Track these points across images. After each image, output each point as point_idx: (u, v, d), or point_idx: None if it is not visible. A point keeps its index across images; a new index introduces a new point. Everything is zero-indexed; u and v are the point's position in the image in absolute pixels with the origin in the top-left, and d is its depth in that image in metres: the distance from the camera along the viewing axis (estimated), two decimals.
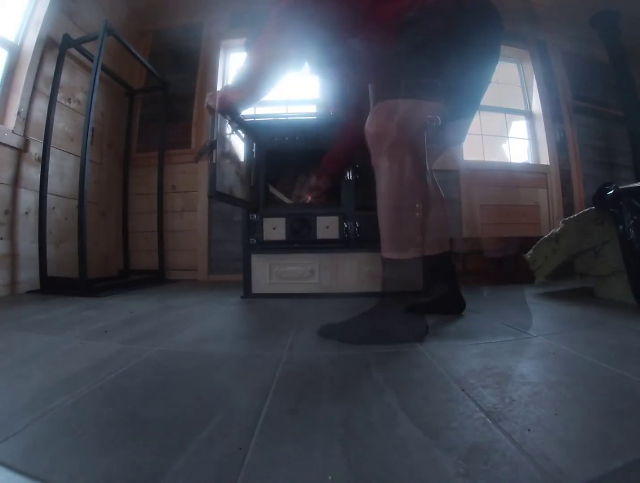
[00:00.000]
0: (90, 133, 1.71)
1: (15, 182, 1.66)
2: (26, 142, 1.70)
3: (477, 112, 1.04)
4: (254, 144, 1.54)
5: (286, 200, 1.61)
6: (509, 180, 2.49)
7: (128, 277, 2.22)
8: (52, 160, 1.79)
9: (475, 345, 0.75)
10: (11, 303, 1.39)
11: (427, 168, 0.87)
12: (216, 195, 1.15)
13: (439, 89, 0.79)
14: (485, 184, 2.45)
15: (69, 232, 1.90)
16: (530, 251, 1.51)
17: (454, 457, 0.35)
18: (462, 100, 0.86)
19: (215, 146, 1.15)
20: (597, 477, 0.32)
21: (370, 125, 0.82)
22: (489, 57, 0.87)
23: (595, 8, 2.50)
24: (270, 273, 1.50)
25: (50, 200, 1.80)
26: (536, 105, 2.68)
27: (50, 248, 1.77)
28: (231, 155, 1.33)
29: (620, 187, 1.15)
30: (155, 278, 2.17)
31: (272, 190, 1.59)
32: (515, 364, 0.62)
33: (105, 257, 2.29)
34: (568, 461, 0.34)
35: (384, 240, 0.83)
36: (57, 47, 1.83)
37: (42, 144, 1.75)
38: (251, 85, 0.93)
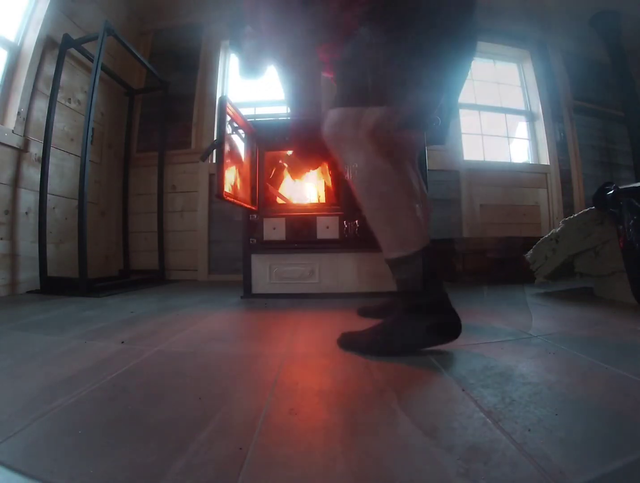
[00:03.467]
0: (90, 133, 1.71)
1: (15, 182, 1.66)
2: (26, 142, 1.70)
3: (469, 112, 1.01)
4: (255, 144, 1.54)
5: (286, 200, 1.61)
6: (509, 180, 2.49)
7: (128, 277, 2.22)
8: (52, 160, 1.79)
9: (475, 345, 0.75)
10: (11, 303, 1.39)
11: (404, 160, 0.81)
12: (223, 196, 1.15)
13: (391, 92, 0.72)
14: (485, 184, 2.45)
15: (69, 232, 1.90)
16: (530, 251, 1.51)
17: (454, 457, 0.35)
18: (429, 100, 0.79)
19: (222, 146, 1.14)
20: (597, 477, 0.32)
21: (324, 130, 0.77)
22: (459, 53, 0.78)
23: (595, 8, 2.51)
24: (270, 273, 1.50)
25: (50, 200, 1.80)
26: (536, 105, 2.67)
27: (50, 248, 1.77)
28: (234, 155, 1.33)
29: (620, 187, 1.15)
30: (155, 278, 2.17)
31: (272, 190, 1.59)
32: (515, 364, 0.62)
33: (105, 257, 2.29)
34: (568, 461, 0.34)
35: (381, 241, 0.74)
36: (57, 47, 1.83)
37: (42, 144, 1.75)
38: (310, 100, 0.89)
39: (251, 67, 1.14)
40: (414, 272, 0.70)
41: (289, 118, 1.00)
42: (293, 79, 0.89)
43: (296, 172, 1.31)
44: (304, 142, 1.09)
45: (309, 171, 1.34)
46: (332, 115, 0.76)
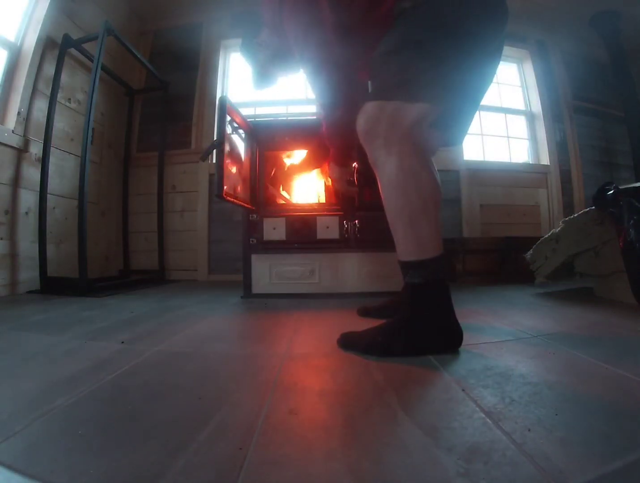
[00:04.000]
0: (90, 133, 1.71)
1: (15, 182, 1.66)
2: (26, 142, 1.70)
3: (477, 113, 0.98)
4: (255, 144, 1.54)
5: (286, 200, 1.61)
6: (509, 180, 2.49)
7: (128, 277, 2.22)
8: (52, 160, 1.79)
9: (475, 345, 0.75)
10: (11, 303, 1.39)
11: (431, 161, 0.79)
12: (223, 196, 1.15)
13: (431, 89, 0.70)
14: (485, 184, 2.45)
15: (69, 232, 1.90)
16: (530, 251, 1.51)
17: (454, 457, 0.35)
18: (459, 101, 0.79)
19: (222, 146, 1.14)
20: (597, 477, 0.32)
21: (359, 124, 0.75)
22: (491, 55, 0.79)
23: (595, 8, 2.51)
24: (270, 273, 1.50)
25: (50, 200, 1.80)
26: (536, 105, 2.67)
27: (50, 248, 1.77)
28: (234, 155, 1.33)
29: (620, 187, 1.15)
30: (155, 278, 2.17)
31: (272, 190, 1.59)
32: (515, 364, 0.62)
33: (105, 257, 2.29)
34: (568, 461, 0.34)
35: (399, 243, 0.74)
36: (57, 47, 1.83)
37: (42, 144, 1.75)
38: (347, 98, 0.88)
39: (264, 76, 1.13)
40: (425, 278, 0.70)
41: (321, 120, 0.99)
42: (326, 78, 0.87)
43: (335, 174, 1.27)
44: (342, 142, 1.04)
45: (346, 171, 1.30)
46: (368, 109, 0.73)
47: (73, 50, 1.91)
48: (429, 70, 0.70)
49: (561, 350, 0.69)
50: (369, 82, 0.82)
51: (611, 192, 1.15)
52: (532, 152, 2.71)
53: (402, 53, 0.72)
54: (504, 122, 2.73)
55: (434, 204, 0.72)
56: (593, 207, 1.26)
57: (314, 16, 0.83)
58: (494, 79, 0.90)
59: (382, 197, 0.75)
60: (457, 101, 0.78)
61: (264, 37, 1.07)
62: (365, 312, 1.06)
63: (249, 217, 1.50)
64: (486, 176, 2.46)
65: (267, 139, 1.55)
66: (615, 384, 0.52)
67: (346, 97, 0.89)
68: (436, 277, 0.71)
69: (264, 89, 1.20)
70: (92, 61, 1.83)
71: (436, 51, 0.70)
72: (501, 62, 0.88)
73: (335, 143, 1.01)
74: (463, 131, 0.95)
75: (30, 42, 1.73)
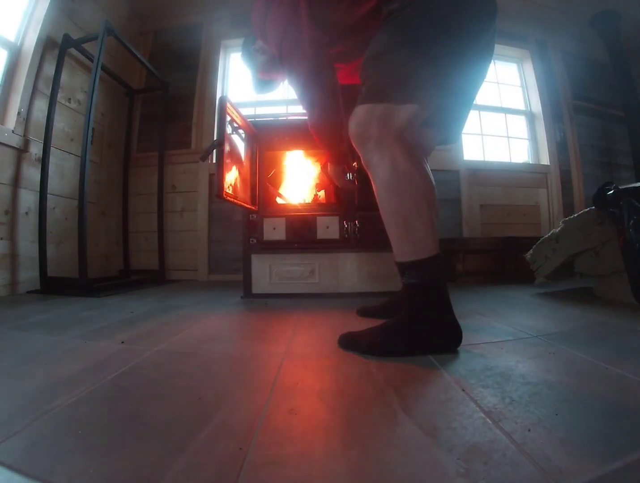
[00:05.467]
0: (90, 133, 1.71)
1: (15, 182, 1.66)
2: (26, 142, 1.70)
3: (471, 112, 0.98)
4: (255, 144, 1.54)
5: (286, 200, 1.61)
6: (509, 180, 2.49)
7: (128, 277, 2.22)
8: (52, 160, 1.79)
9: (475, 345, 0.75)
10: (11, 303, 1.39)
11: (424, 161, 0.80)
12: (223, 196, 1.15)
13: (419, 89, 0.71)
14: (485, 184, 2.45)
15: (69, 232, 1.90)
16: (531, 251, 1.51)
17: (454, 457, 0.35)
18: (451, 99, 0.79)
19: (222, 146, 1.14)
20: (597, 477, 0.32)
21: (350, 128, 0.75)
22: (482, 51, 0.78)
23: (595, 8, 2.51)
24: (270, 273, 1.50)
25: (50, 200, 1.80)
26: (536, 105, 2.68)
27: (50, 249, 1.77)
28: (234, 155, 1.33)
29: (620, 187, 1.15)
30: (155, 278, 2.17)
31: (272, 190, 1.59)
32: (515, 364, 0.62)
33: (105, 257, 2.29)
34: (568, 461, 0.34)
35: (395, 244, 0.74)
36: (57, 47, 1.83)
37: (42, 144, 1.75)
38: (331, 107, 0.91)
39: (264, 82, 1.14)
40: (421, 278, 0.70)
41: (308, 125, 1.00)
42: (304, 87, 0.89)
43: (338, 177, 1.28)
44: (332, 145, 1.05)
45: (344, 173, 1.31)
46: (358, 113, 0.73)
47: (73, 50, 1.91)
48: (418, 70, 0.70)
49: (561, 350, 0.69)
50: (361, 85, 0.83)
51: (611, 192, 1.15)
52: (532, 152, 2.71)
53: (391, 55, 0.72)
54: (504, 122, 2.73)
55: (428, 205, 0.72)
56: (593, 207, 1.26)
57: (295, 29, 0.84)
58: (494, 79, 0.90)
59: (376, 199, 0.75)
60: (448, 99, 0.78)
61: (261, 44, 1.07)
62: (365, 312, 1.06)
63: (249, 217, 1.50)
64: (486, 176, 2.46)
65: (267, 139, 1.55)
66: (615, 384, 0.52)
67: (324, 102, 0.91)
68: (433, 277, 0.71)
69: (265, 93, 1.22)
70: (92, 61, 1.83)
71: (425, 50, 0.70)
72: (501, 62, 0.88)
73: (323, 143, 1.01)
74: (458, 129, 0.94)
75: (30, 42, 1.73)
